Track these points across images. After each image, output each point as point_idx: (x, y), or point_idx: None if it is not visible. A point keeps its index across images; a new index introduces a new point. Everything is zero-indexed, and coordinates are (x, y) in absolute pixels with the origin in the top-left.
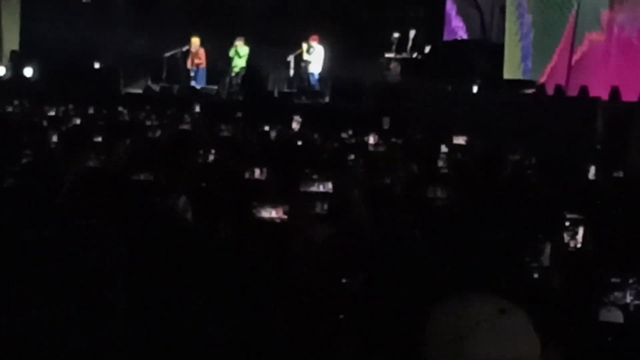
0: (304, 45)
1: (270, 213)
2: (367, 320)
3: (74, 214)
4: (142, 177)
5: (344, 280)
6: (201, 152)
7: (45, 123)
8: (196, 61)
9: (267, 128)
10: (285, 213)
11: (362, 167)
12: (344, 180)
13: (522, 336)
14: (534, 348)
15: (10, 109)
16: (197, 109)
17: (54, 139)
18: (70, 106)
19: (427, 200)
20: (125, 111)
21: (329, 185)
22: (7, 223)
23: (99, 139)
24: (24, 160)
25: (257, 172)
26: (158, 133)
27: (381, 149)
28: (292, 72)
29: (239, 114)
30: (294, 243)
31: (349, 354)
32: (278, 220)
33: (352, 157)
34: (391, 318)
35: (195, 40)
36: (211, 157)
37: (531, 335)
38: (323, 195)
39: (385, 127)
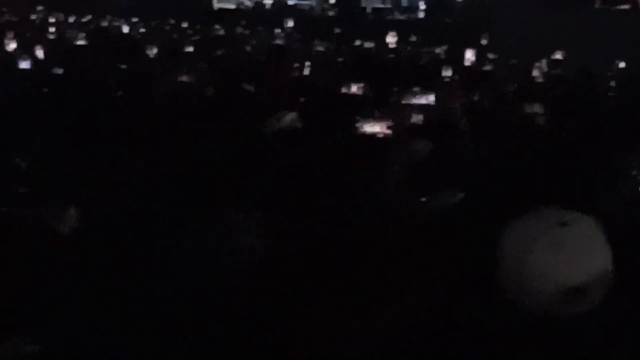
0: None
1: (373, 127)
2: (459, 236)
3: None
4: (242, 88)
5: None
6: (296, 66)
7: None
8: None
9: (361, 43)
10: (388, 128)
11: (459, 82)
12: (444, 94)
13: (585, 248)
14: (601, 260)
15: (104, 23)
16: (291, 24)
17: (151, 53)
18: (165, 21)
19: (525, 115)
20: (217, 26)
21: (431, 97)
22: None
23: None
24: (120, 73)
25: (353, 86)
26: (251, 47)
27: (478, 64)
28: None
29: (335, 30)
30: (395, 157)
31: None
32: (381, 135)
33: (449, 72)
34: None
35: None
36: (307, 72)
37: (596, 247)
38: (424, 108)
39: (484, 42)
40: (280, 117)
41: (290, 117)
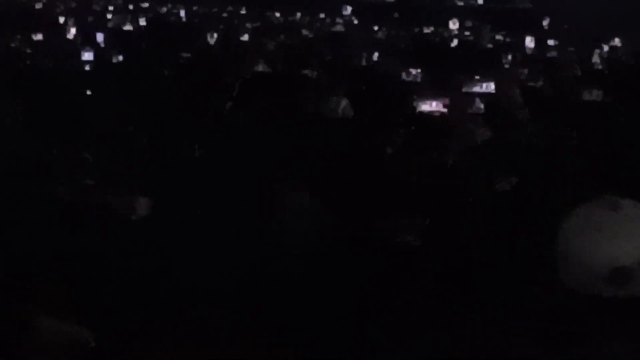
0: None
1: (431, 105)
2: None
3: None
4: (303, 74)
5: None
6: (356, 53)
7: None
8: None
9: (422, 29)
10: (445, 106)
11: (519, 68)
12: (506, 81)
13: (637, 231)
14: None
15: (164, 9)
16: (349, 10)
17: (211, 40)
18: (223, 8)
19: (585, 102)
20: (277, 13)
21: (491, 86)
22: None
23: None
24: (181, 61)
25: (413, 72)
26: (311, 34)
27: (538, 50)
28: None
29: (394, 15)
30: (452, 139)
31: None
32: (437, 114)
33: (509, 58)
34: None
35: None
36: (367, 58)
37: None
38: (484, 96)
39: (545, 27)
40: (335, 103)
41: (345, 103)
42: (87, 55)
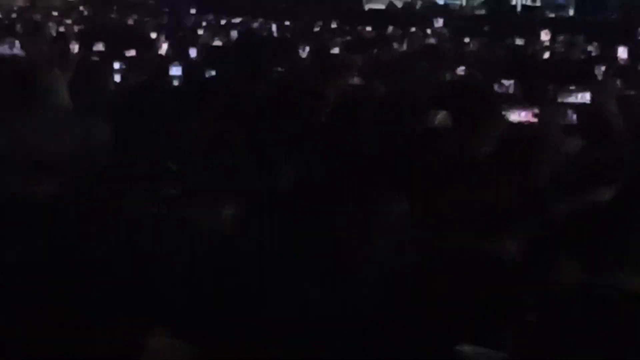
0: None
1: (520, 115)
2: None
3: (340, 133)
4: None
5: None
6: (448, 65)
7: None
8: None
9: (513, 41)
10: (534, 116)
11: (613, 80)
12: (599, 92)
13: None
14: None
15: (256, 25)
16: (440, 23)
17: (303, 54)
18: (315, 22)
19: None
20: (368, 27)
21: (586, 97)
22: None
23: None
24: (274, 76)
25: (505, 84)
26: (404, 47)
27: (632, 60)
28: None
29: (485, 27)
30: (541, 150)
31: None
32: (527, 124)
33: (602, 69)
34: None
35: None
36: (459, 72)
37: None
38: (576, 107)
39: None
40: (432, 115)
41: (442, 116)
42: (177, 70)
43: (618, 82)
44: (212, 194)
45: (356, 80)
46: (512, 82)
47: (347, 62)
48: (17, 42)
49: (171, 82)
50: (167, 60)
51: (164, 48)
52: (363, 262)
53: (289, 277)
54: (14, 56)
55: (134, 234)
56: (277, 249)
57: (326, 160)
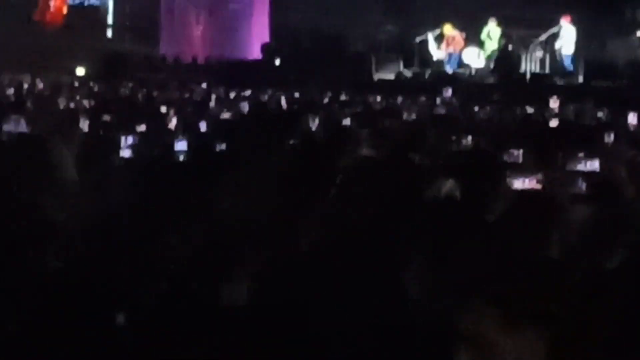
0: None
1: (524, 183)
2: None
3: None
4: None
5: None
6: (455, 137)
7: (300, 110)
8: (453, 46)
9: (523, 109)
10: (538, 182)
11: (623, 145)
12: (610, 160)
13: None
14: None
15: (265, 97)
16: (449, 93)
17: (313, 125)
18: (323, 94)
19: None
20: (377, 97)
21: (595, 164)
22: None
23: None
24: (288, 147)
25: (514, 152)
26: (413, 117)
27: None
28: (543, 53)
29: (495, 97)
30: (551, 219)
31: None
32: (532, 192)
33: (611, 135)
34: None
35: (448, 27)
36: (468, 141)
37: None
38: (586, 174)
39: None
40: (440, 185)
41: (449, 185)
42: (184, 145)
43: (627, 147)
44: (221, 269)
45: (367, 150)
46: (520, 150)
47: (356, 133)
48: (22, 120)
49: (181, 156)
50: (177, 134)
51: (173, 122)
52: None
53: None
54: (21, 134)
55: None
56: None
57: (337, 230)
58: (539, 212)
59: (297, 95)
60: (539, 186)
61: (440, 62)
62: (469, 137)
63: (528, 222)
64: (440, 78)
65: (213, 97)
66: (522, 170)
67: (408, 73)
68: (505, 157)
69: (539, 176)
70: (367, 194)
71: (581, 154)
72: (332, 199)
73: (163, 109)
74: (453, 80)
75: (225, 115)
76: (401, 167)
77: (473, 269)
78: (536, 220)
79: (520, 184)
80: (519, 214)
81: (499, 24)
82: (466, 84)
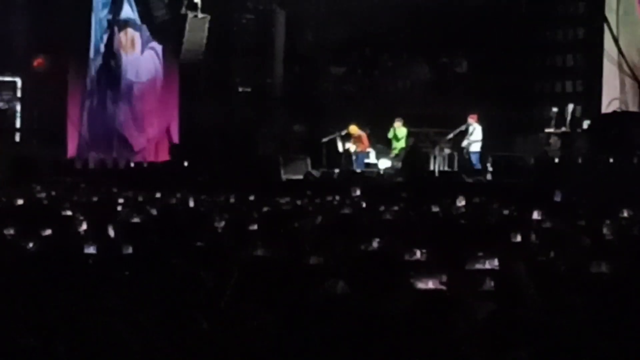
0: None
1: (427, 284)
2: None
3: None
4: (311, 261)
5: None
6: (361, 238)
7: (207, 212)
8: (359, 146)
9: (429, 208)
10: (442, 284)
11: (528, 243)
12: (511, 257)
13: None
14: None
15: (173, 200)
16: (358, 192)
17: (219, 227)
18: (231, 195)
19: (594, 275)
20: (286, 198)
21: (495, 262)
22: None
23: (254, 227)
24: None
25: (418, 253)
26: (319, 219)
27: (546, 224)
28: (451, 150)
29: (402, 194)
30: (454, 317)
31: None
32: (436, 292)
33: (518, 233)
34: None
35: (354, 127)
36: (374, 243)
37: None
38: (488, 272)
39: (557, 199)
40: (332, 285)
41: (340, 285)
42: (93, 249)
43: (532, 245)
44: None
45: (262, 251)
46: (423, 250)
47: (260, 233)
48: None
49: (89, 260)
50: (84, 238)
51: (83, 226)
52: None
53: None
54: None
55: None
56: None
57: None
58: (439, 312)
59: (204, 197)
60: (442, 287)
61: (348, 162)
62: (375, 239)
63: (426, 322)
64: (348, 178)
65: (121, 200)
66: (425, 270)
67: (316, 173)
68: (409, 257)
69: (443, 277)
70: (258, 296)
71: (480, 253)
72: (227, 303)
73: (69, 213)
74: (361, 179)
75: (135, 219)
76: (292, 268)
77: None
78: (435, 320)
79: (423, 284)
80: (418, 314)
81: (404, 123)
82: (374, 183)
